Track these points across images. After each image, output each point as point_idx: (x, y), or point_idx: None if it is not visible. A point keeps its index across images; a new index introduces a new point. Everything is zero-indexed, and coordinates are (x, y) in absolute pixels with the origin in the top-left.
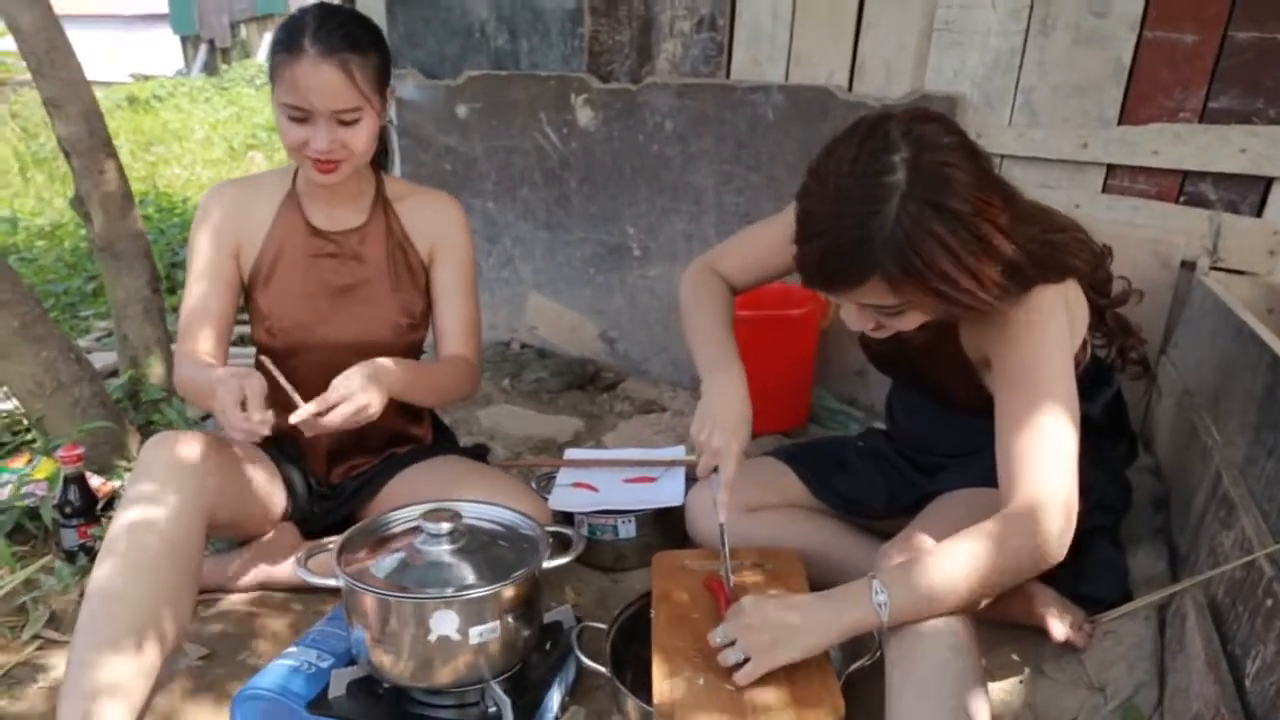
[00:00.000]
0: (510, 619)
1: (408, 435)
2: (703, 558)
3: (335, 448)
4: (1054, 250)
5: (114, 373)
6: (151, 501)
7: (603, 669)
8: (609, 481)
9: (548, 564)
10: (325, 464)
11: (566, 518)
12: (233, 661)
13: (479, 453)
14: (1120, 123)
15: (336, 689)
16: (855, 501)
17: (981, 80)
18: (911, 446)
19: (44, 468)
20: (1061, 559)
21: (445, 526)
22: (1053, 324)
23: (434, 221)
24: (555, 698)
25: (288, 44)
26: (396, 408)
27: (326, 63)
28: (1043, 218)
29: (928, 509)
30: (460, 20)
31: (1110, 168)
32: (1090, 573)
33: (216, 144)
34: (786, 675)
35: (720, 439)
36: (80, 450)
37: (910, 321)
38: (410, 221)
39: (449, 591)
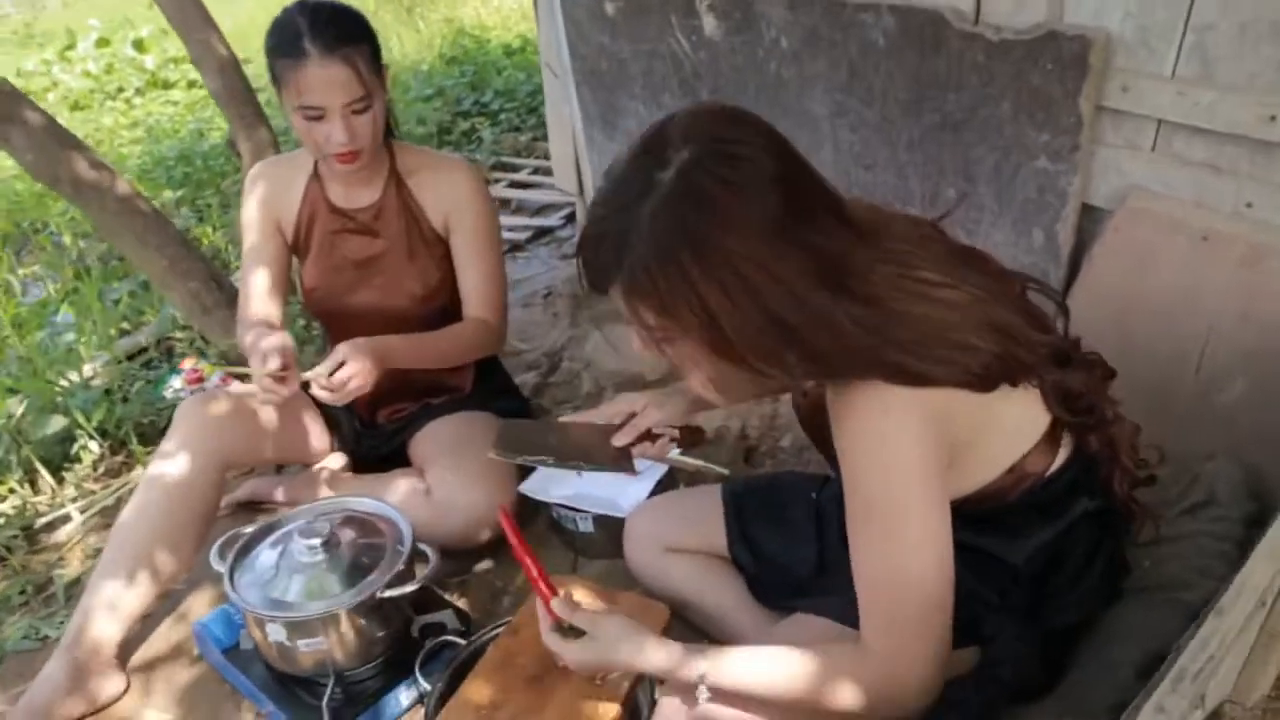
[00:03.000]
0: (343, 632)
1: (444, 385)
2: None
3: (376, 394)
4: (882, 344)
5: None
6: (169, 459)
7: (426, 688)
8: None
9: (385, 592)
10: (368, 408)
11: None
12: None
13: (516, 407)
14: None
15: (246, 643)
16: (771, 564)
17: (1137, 10)
18: None
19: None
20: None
21: (316, 541)
22: (889, 440)
23: (446, 193)
24: (403, 699)
25: (287, 49)
26: None
27: (331, 61)
28: (909, 297)
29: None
30: None
31: None
32: None
33: None
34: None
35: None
36: (200, 373)
37: (681, 359)
38: (422, 195)
39: (269, 611)
